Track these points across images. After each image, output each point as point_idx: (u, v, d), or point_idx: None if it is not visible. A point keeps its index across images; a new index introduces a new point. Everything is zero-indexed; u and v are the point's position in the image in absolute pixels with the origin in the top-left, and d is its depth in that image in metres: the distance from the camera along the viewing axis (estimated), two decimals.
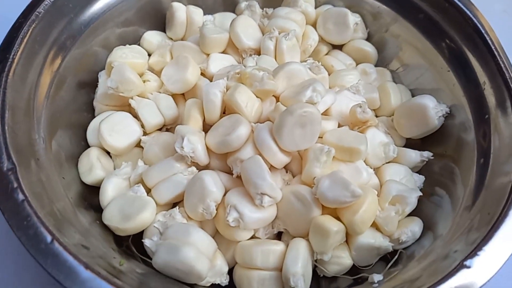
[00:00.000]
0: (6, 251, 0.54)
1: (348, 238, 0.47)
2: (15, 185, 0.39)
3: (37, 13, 0.51)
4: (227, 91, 0.51)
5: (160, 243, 0.42)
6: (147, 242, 0.43)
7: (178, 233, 0.43)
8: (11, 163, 0.41)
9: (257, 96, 0.52)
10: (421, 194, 0.49)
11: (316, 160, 0.47)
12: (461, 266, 0.39)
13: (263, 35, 0.61)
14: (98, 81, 0.58)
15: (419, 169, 0.57)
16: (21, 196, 0.39)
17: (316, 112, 0.47)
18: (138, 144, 0.54)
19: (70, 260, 0.36)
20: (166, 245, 0.42)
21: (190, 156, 0.48)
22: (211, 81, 0.57)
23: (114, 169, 0.53)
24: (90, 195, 0.50)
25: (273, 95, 0.53)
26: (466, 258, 0.39)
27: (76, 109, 0.56)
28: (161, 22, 0.66)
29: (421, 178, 0.55)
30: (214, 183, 0.47)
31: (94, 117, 0.57)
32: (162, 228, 0.45)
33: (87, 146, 0.55)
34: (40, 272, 0.51)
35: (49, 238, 0.37)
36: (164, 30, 0.67)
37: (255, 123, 0.50)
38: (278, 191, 0.46)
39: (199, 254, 0.42)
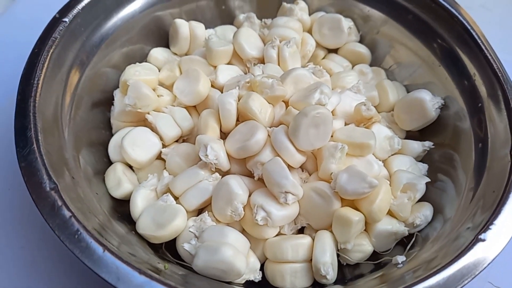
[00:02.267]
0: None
1: (367, 226, 0.51)
2: (60, 203, 0.42)
3: (53, 38, 0.54)
4: (239, 99, 0.55)
5: (199, 245, 0.45)
6: (186, 246, 0.46)
7: (214, 234, 0.46)
8: (53, 182, 0.43)
9: (268, 102, 0.55)
10: (429, 180, 0.54)
11: (332, 157, 0.51)
12: (476, 240, 0.43)
13: (264, 44, 0.65)
14: (111, 100, 0.61)
15: (421, 159, 0.61)
16: (67, 213, 0.41)
17: (328, 113, 0.50)
18: (158, 156, 0.57)
19: (124, 267, 0.38)
20: (205, 247, 0.45)
21: (214, 163, 0.51)
22: (221, 91, 0.60)
23: (139, 182, 0.56)
24: (120, 208, 0.52)
25: (282, 100, 0.57)
26: (480, 232, 0.43)
27: (95, 127, 0.58)
28: (164, 38, 0.69)
29: (425, 166, 0.59)
30: (239, 186, 0.50)
31: (111, 134, 0.59)
32: (198, 232, 0.47)
33: (109, 162, 0.57)
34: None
35: (100, 249, 0.39)
36: (167, 46, 0.69)
37: (270, 128, 0.53)
38: (300, 188, 0.49)
39: (237, 252, 0.45)
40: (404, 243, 0.52)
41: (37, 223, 0.56)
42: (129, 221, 0.51)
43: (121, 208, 0.52)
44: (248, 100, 0.53)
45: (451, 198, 0.54)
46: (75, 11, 0.56)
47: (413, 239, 0.51)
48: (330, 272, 0.47)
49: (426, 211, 0.53)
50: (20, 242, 0.55)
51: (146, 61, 0.66)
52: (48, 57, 0.52)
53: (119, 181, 0.53)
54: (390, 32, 0.68)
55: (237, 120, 0.56)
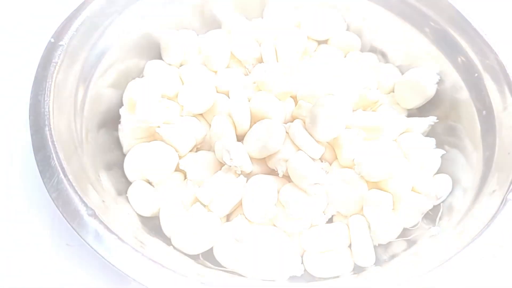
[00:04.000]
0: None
1: (394, 204, 0.52)
2: (103, 227, 0.41)
3: (54, 63, 0.52)
4: (249, 101, 0.55)
5: (242, 248, 0.45)
6: (229, 250, 0.46)
7: (255, 235, 0.46)
8: (90, 208, 0.42)
9: (278, 99, 0.56)
10: (444, 152, 0.56)
11: (350, 143, 0.52)
12: (505, 200, 0.45)
13: (258, 44, 0.66)
14: (116, 119, 0.59)
15: (426, 134, 0.63)
16: (113, 236, 0.40)
17: (342, 101, 0.52)
18: (176, 168, 0.56)
19: (185, 280, 0.38)
20: (250, 249, 0.45)
21: (239, 166, 0.51)
22: (226, 95, 0.60)
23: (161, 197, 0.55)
24: (149, 224, 0.52)
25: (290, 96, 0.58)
26: (507, 193, 0.46)
27: (107, 148, 0.57)
28: (155, 51, 0.68)
29: (433, 140, 0.61)
30: (268, 185, 0.50)
31: (123, 154, 0.58)
32: (237, 235, 0.47)
33: (127, 181, 0.56)
34: None
35: (157, 266, 0.39)
36: (160, 58, 0.69)
37: (285, 124, 0.54)
38: (327, 178, 0.51)
39: (282, 249, 0.45)
40: (430, 216, 0.54)
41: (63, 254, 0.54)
42: (162, 236, 0.50)
43: (150, 224, 0.52)
44: (259, 99, 0.53)
45: (463, 166, 0.56)
46: (70, 33, 0.55)
47: (441, 210, 0.53)
48: (371, 253, 0.48)
49: (445, 182, 0.55)
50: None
51: (143, 76, 0.65)
52: (53, 83, 0.51)
53: (144, 199, 0.52)
54: (375, 16, 0.70)
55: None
